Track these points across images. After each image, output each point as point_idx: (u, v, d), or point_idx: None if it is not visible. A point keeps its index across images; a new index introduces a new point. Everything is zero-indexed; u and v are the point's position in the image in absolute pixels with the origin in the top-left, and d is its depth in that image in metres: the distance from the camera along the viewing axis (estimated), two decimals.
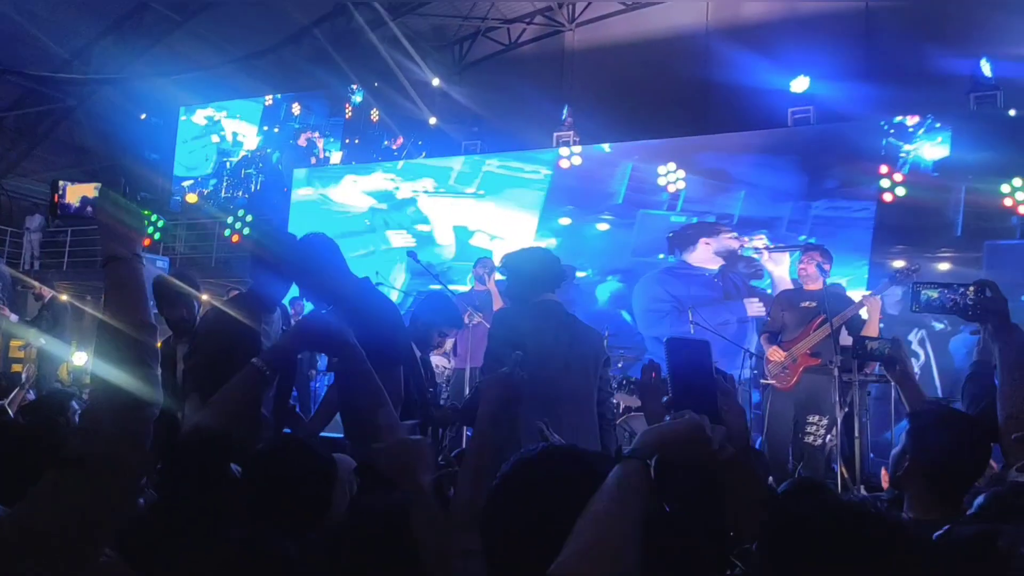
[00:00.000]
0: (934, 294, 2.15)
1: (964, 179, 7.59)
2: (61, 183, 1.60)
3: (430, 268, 5.82)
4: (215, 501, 1.69)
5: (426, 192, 10.32)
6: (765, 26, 10.82)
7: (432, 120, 12.20)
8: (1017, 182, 7.35)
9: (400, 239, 10.23)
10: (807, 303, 4.95)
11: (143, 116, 13.71)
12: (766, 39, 10.44)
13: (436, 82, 12.32)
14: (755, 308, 8.25)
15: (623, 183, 9.19)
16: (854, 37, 10.36)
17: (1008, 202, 7.40)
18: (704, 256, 8.74)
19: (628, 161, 9.20)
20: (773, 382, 5.04)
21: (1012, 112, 7.63)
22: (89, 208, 1.62)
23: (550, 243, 9.18)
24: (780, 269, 8.38)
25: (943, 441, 1.90)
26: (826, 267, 4.98)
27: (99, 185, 1.65)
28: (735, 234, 8.63)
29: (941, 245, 7.63)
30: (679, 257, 8.86)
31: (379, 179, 10.66)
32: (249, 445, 1.94)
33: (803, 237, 8.12)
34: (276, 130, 13.67)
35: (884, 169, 7.93)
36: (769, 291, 8.08)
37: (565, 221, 9.47)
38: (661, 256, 8.91)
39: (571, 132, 10.06)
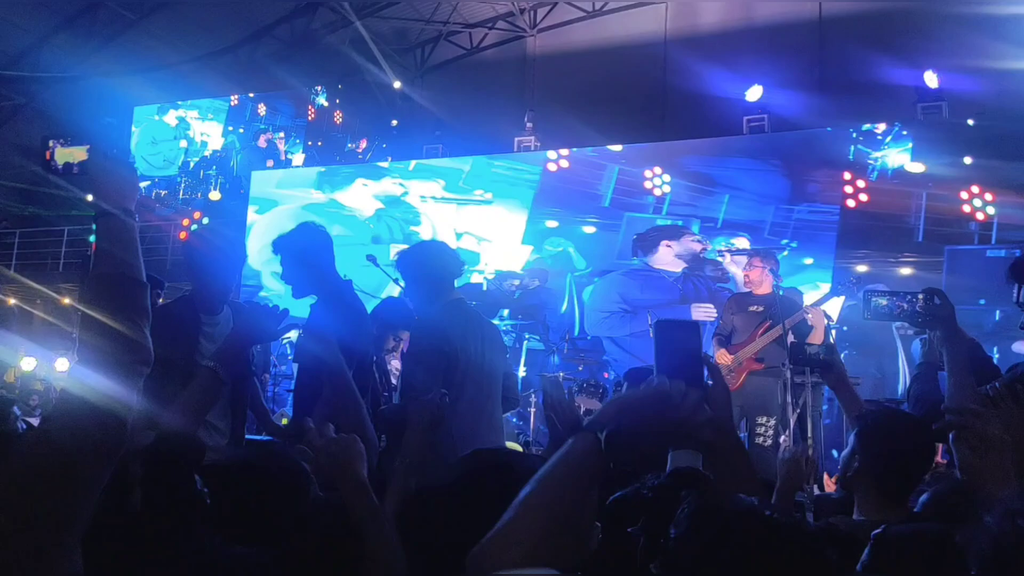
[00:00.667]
0: (883, 301, 2.20)
1: (925, 186, 7.82)
2: (51, 142, 1.60)
3: (389, 273, 5.80)
4: (182, 512, 1.67)
5: (433, 198, 10.20)
6: (721, 35, 11.04)
7: (393, 122, 12.17)
8: (975, 189, 7.59)
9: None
10: (755, 307, 5.06)
11: (104, 118, 13.38)
12: (722, 48, 10.65)
13: (398, 85, 12.30)
14: (700, 312, 8.40)
15: (610, 186, 9.26)
16: (808, 48, 10.63)
17: (967, 208, 7.62)
18: (666, 259, 8.85)
19: (615, 164, 9.29)
20: None
21: (970, 122, 7.90)
22: (75, 168, 1.60)
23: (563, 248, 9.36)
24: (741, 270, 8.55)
25: (889, 442, 1.97)
26: (767, 271, 5.09)
27: (90, 147, 1.66)
28: (699, 237, 8.77)
29: (903, 250, 7.84)
30: (642, 259, 8.99)
31: (388, 184, 10.52)
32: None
33: (785, 241, 8.32)
34: (241, 130, 13.46)
35: (847, 176, 8.14)
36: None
37: (552, 224, 9.54)
38: (635, 260, 9.04)
39: (532, 137, 10.14)
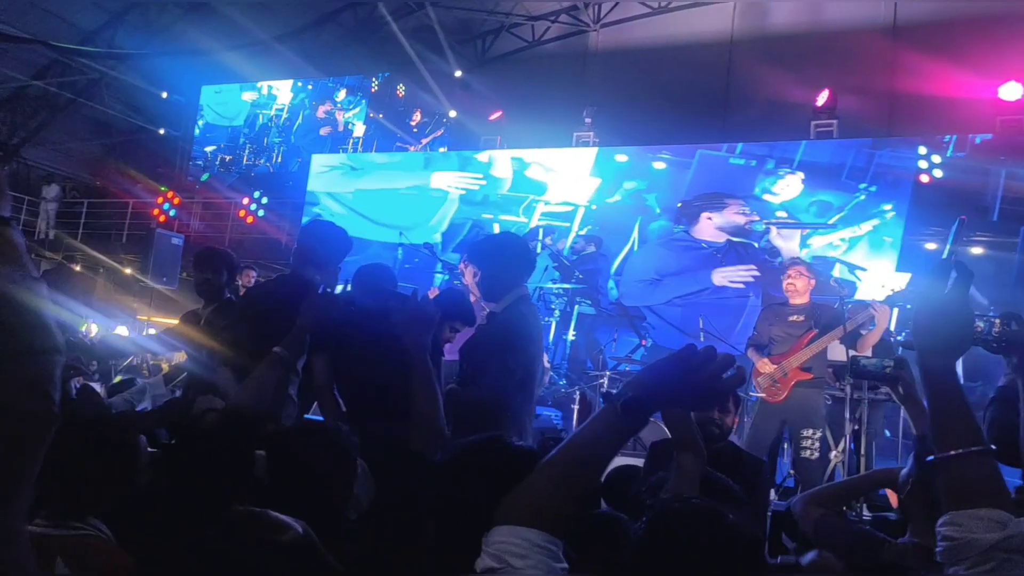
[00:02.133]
0: None
1: (1003, 163, 7.60)
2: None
3: (447, 264, 5.84)
4: (232, 484, 1.70)
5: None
6: (789, 38, 10.77)
7: (452, 113, 12.20)
8: None
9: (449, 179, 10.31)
10: (795, 317, 4.93)
11: (164, 95, 13.70)
12: (790, 50, 10.40)
13: (458, 74, 12.31)
14: (723, 276, 8.36)
15: None
16: (879, 53, 10.30)
17: None
18: (707, 230, 8.86)
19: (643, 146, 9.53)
20: (763, 395, 5.01)
21: None
22: None
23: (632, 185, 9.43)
24: (790, 245, 8.44)
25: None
26: (811, 281, 4.97)
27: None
28: (745, 209, 8.70)
29: (976, 229, 7.59)
30: (686, 228, 9.00)
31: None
32: (273, 425, 1.96)
33: (863, 185, 8.24)
34: (311, 87, 13.62)
35: (923, 150, 7.95)
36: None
37: (622, 158, 9.63)
38: (678, 228, 9.09)
39: (591, 133, 10.06)
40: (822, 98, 8.73)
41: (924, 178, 7.92)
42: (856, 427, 4.66)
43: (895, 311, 5.06)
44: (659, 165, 9.41)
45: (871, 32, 10.19)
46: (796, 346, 4.85)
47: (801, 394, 4.74)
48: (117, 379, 4.35)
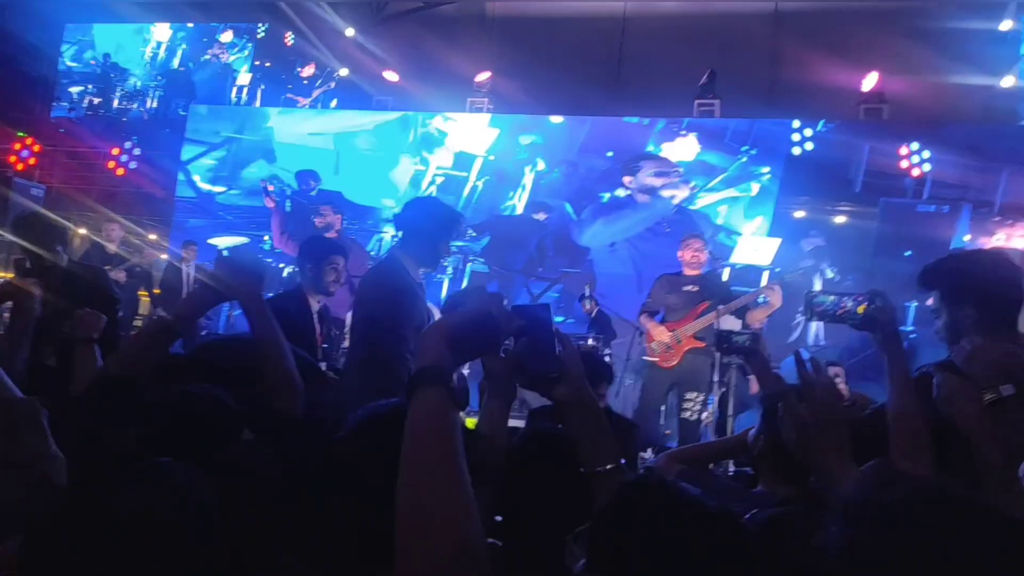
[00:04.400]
0: (829, 299, 2.15)
1: (868, 139, 8.35)
2: None
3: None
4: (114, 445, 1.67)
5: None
6: (678, 19, 11.05)
7: (343, 71, 11.82)
8: (914, 146, 8.03)
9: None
10: (690, 287, 5.22)
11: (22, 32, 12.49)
12: (679, 31, 10.70)
13: (350, 32, 11.92)
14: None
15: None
16: (760, 44, 10.77)
17: (904, 164, 8.05)
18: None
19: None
20: (656, 359, 5.29)
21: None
22: None
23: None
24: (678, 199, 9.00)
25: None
26: (703, 253, 5.25)
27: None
28: (655, 171, 9.15)
29: (841, 199, 8.26)
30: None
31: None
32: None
33: (745, 147, 8.88)
34: (190, 25, 12.68)
35: (796, 123, 8.66)
36: None
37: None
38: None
39: (485, 99, 10.03)
40: (704, 78, 9.07)
41: (796, 150, 8.48)
42: (724, 390, 4.97)
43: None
44: (556, 119, 9.74)
45: (754, 18, 10.63)
46: (690, 315, 5.12)
47: (691, 360, 5.05)
48: None
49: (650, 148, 9.35)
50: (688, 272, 5.29)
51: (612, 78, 11.18)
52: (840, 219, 8.34)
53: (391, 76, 10.93)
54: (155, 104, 12.12)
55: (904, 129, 8.39)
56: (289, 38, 12.27)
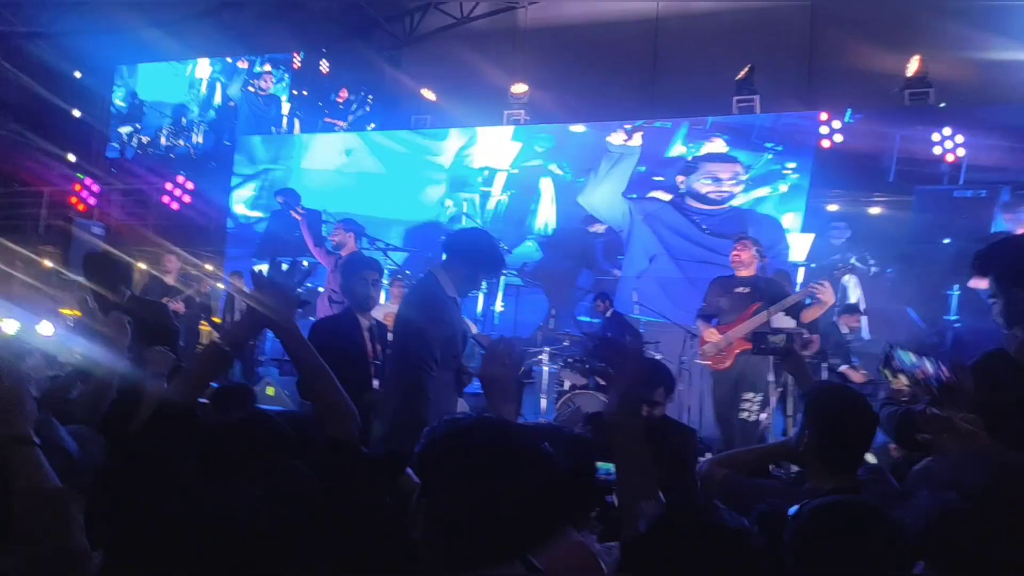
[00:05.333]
0: (911, 359, 2.10)
1: (898, 127, 8.13)
2: None
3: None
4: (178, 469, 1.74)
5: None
6: (711, 16, 10.97)
7: (369, 99, 12.02)
8: (947, 131, 7.82)
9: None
10: (742, 289, 5.16)
11: (77, 74, 13.04)
12: (712, 28, 10.62)
13: (387, 52, 12.14)
14: None
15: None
16: (798, 31, 10.62)
17: (937, 150, 7.85)
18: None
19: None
20: (708, 363, 5.27)
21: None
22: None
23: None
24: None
25: (831, 414, 2.07)
26: (756, 253, 5.20)
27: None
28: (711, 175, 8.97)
29: (874, 190, 8.08)
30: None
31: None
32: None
33: (770, 144, 8.74)
34: (228, 59, 13.11)
35: (824, 116, 8.39)
36: None
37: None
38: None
39: (521, 111, 10.10)
40: (742, 73, 8.97)
41: (825, 143, 8.33)
42: (781, 389, 4.90)
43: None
44: (576, 128, 9.74)
45: (789, 8, 10.49)
46: (741, 317, 5.06)
47: (745, 361, 4.96)
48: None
49: (682, 150, 9.28)
50: (740, 273, 5.23)
51: (647, 81, 11.14)
52: (875, 210, 8.16)
53: (428, 95, 11.08)
54: (201, 140, 12.52)
55: (937, 114, 8.12)
56: (324, 66, 12.55)
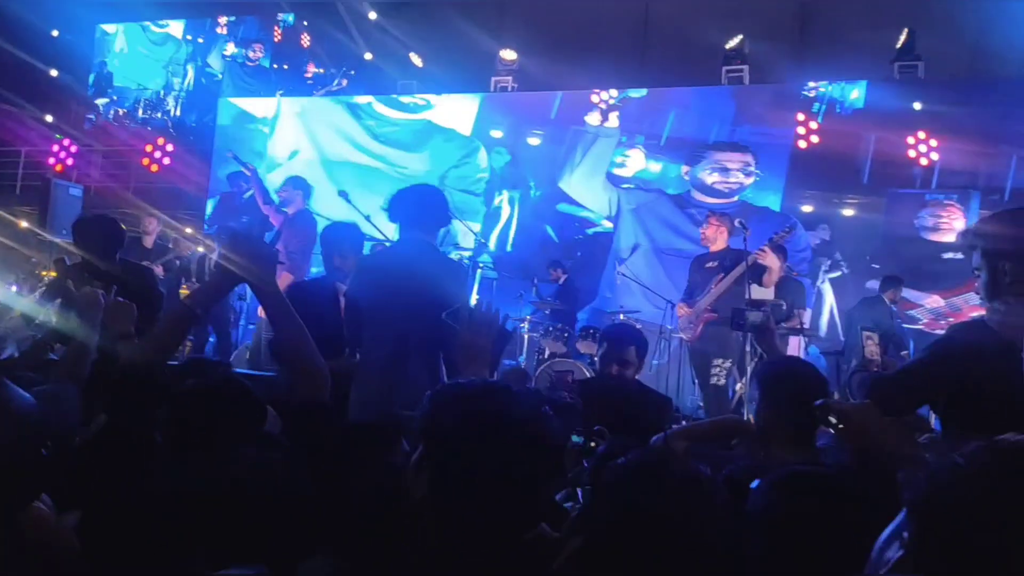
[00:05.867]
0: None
1: (873, 130, 8.06)
2: None
3: (360, 210, 5.74)
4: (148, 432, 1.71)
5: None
6: None
7: (367, 55, 11.83)
8: (921, 135, 7.73)
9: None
10: (711, 263, 5.35)
11: (55, 33, 12.76)
12: None
13: (373, 15, 11.91)
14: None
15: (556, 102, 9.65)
16: (792, 2, 10.51)
17: (912, 153, 7.81)
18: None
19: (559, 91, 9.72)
20: (682, 335, 5.49)
21: (917, 105, 8.06)
22: None
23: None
24: None
25: (785, 387, 2.11)
26: (721, 228, 5.28)
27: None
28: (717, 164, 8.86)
29: (848, 191, 8.08)
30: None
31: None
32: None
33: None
34: (201, 40, 12.97)
35: (800, 116, 8.29)
36: None
37: (496, 133, 9.74)
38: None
39: (509, 77, 9.97)
40: (732, 42, 8.88)
41: (801, 144, 8.26)
42: (756, 359, 4.93)
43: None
44: (533, 141, 9.55)
45: None
46: (710, 290, 5.19)
47: (712, 330, 5.11)
48: None
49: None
50: (712, 248, 5.38)
51: (638, 49, 11.01)
52: (848, 212, 8.17)
53: (416, 60, 10.90)
54: (178, 112, 12.35)
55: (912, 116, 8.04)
56: (306, 39, 12.36)
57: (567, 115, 9.47)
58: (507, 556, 1.17)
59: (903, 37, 8.21)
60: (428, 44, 11.13)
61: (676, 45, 10.15)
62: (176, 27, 13.17)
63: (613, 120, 9.31)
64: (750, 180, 8.66)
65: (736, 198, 8.62)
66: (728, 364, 5.11)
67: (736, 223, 5.33)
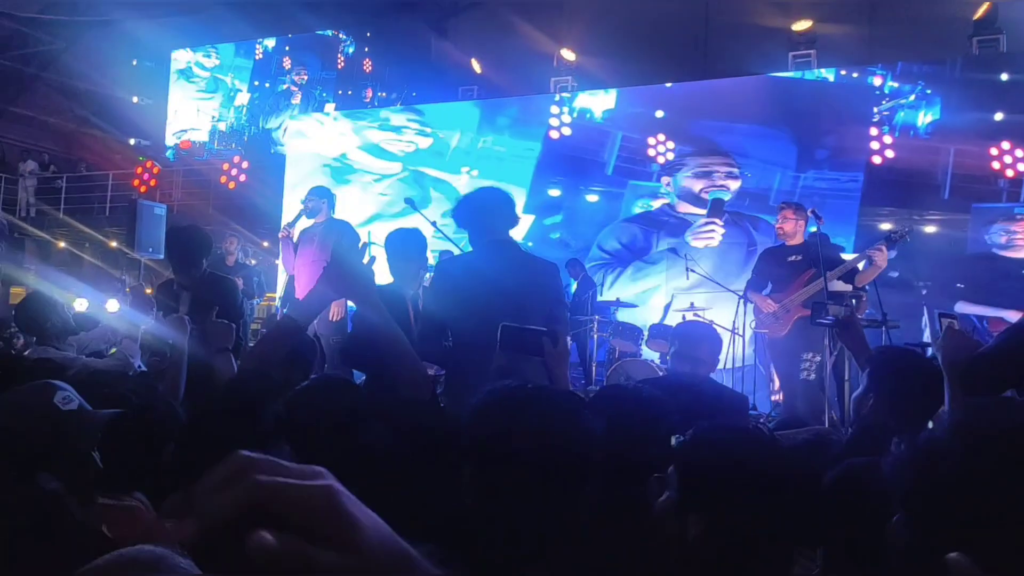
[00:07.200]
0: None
1: (953, 141, 7.57)
2: None
3: (427, 217, 5.82)
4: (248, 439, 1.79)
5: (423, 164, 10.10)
6: None
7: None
8: (1005, 145, 7.31)
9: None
10: (794, 257, 5.12)
11: (134, 62, 13.44)
12: None
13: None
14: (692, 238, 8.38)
15: (613, 153, 9.09)
16: None
17: (996, 165, 7.35)
18: (678, 202, 8.72)
19: (618, 131, 9.10)
20: (766, 331, 5.23)
21: (1004, 76, 7.55)
22: None
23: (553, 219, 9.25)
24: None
25: (900, 377, 2.04)
26: (800, 222, 5.10)
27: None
28: (700, 169, 8.52)
29: (929, 208, 7.64)
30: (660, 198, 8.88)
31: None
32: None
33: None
34: (267, 85, 13.52)
35: (874, 132, 7.91)
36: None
37: (555, 192, 9.34)
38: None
39: (568, 77, 9.95)
40: (800, 25, 8.63)
41: (876, 159, 7.86)
42: (836, 354, 4.79)
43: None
44: (592, 198, 9.15)
45: None
46: (796, 284, 5.01)
47: (803, 325, 4.90)
48: (112, 351, 4.39)
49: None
50: (789, 242, 5.19)
51: (700, 41, 10.83)
52: (930, 228, 7.64)
53: (476, 66, 11.01)
54: (247, 139, 12.92)
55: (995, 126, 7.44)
56: (368, 65, 12.68)
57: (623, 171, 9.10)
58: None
59: (983, 9, 7.80)
60: (487, 50, 11.22)
61: (739, 34, 9.93)
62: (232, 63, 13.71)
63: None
64: (736, 184, 8.35)
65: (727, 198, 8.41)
66: (818, 358, 4.91)
67: (810, 213, 5.15)
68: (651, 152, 8.84)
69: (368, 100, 12.29)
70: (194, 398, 2.47)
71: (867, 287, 5.14)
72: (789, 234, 5.14)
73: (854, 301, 4.81)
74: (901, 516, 0.90)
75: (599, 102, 9.35)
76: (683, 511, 1.25)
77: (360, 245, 2.15)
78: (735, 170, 8.40)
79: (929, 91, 7.83)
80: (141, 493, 1.73)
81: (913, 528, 0.86)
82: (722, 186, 8.42)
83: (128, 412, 1.75)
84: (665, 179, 8.69)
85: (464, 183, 9.44)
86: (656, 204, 8.80)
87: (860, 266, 4.98)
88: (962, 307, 6.80)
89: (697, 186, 8.50)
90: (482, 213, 3.02)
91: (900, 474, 0.88)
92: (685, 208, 8.60)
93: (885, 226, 7.63)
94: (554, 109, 9.48)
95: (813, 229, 5.16)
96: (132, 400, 1.83)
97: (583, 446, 1.23)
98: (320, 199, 6.01)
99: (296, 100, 13.15)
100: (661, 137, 8.81)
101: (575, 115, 9.37)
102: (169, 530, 1.57)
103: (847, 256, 5.24)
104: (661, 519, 1.30)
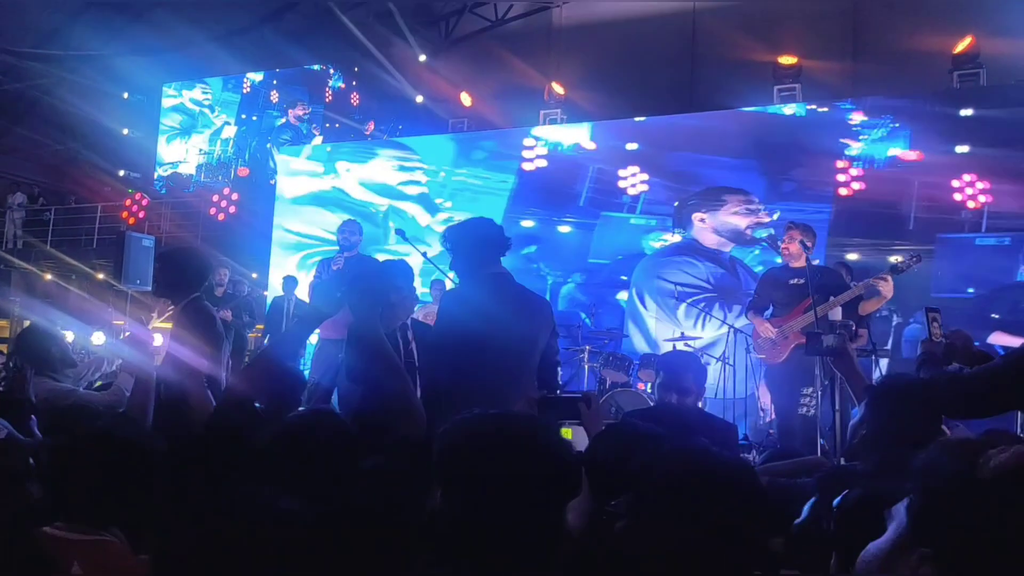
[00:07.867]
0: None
1: (918, 174, 7.63)
2: None
3: (417, 247, 5.80)
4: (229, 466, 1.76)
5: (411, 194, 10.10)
6: (751, 2, 10.79)
7: (419, 98, 12.11)
8: (967, 177, 7.39)
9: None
10: (795, 280, 5.00)
11: (125, 95, 13.50)
12: (753, 16, 10.43)
13: (423, 58, 12.22)
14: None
15: (585, 185, 9.07)
16: (843, 15, 10.37)
17: (958, 196, 7.42)
18: (705, 236, 8.41)
19: (591, 164, 9.08)
20: (763, 357, 5.15)
21: (969, 112, 7.66)
22: None
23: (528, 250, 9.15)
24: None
25: (897, 407, 2.00)
26: (808, 244, 5.02)
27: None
28: (743, 209, 8.31)
29: (895, 238, 7.70)
30: (687, 234, 8.55)
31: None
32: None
33: (764, 233, 8.18)
34: (255, 118, 13.61)
35: (840, 164, 7.94)
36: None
37: (528, 224, 9.28)
38: (620, 257, 8.79)
39: (558, 110, 10.04)
40: (786, 60, 8.75)
41: (843, 191, 7.88)
42: (827, 383, 4.75)
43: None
44: (564, 228, 9.11)
45: None
46: (796, 310, 4.92)
47: (798, 355, 4.80)
48: (98, 384, 4.31)
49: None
50: (793, 265, 5.08)
51: (686, 75, 11.00)
52: (896, 259, 7.70)
53: (466, 99, 11.09)
54: (233, 175, 12.99)
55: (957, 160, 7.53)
56: (356, 98, 12.81)
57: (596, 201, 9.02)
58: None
59: (966, 42, 7.92)
60: (476, 83, 11.33)
61: (725, 68, 10.09)
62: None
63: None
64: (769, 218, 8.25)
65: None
66: (817, 393, 4.80)
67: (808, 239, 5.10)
68: (621, 184, 8.80)
69: (369, 133, 12.36)
70: (163, 425, 2.44)
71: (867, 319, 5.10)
72: (794, 255, 5.03)
73: (855, 328, 4.74)
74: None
75: (572, 135, 9.40)
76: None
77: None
78: (762, 207, 8.35)
79: (897, 124, 7.91)
80: (118, 528, 1.68)
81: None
82: (767, 223, 8.28)
83: (108, 445, 1.72)
84: (698, 215, 8.46)
85: (440, 218, 9.45)
86: (670, 238, 8.65)
87: (884, 292, 4.88)
88: (997, 338, 6.75)
89: (743, 223, 8.32)
90: (478, 245, 2.96)
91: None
92: (711, 240, 8.38)
93: (852, 256, 7.68)
94: (528, 142, 9.47)
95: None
96: (115, 434, 1.79)
97: (550, 467, 1.25)
98: (355, 235, 5.99)
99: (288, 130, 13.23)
100: (634, 169, 8.79)
101: (549, 149, 9.36)
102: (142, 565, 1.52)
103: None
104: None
